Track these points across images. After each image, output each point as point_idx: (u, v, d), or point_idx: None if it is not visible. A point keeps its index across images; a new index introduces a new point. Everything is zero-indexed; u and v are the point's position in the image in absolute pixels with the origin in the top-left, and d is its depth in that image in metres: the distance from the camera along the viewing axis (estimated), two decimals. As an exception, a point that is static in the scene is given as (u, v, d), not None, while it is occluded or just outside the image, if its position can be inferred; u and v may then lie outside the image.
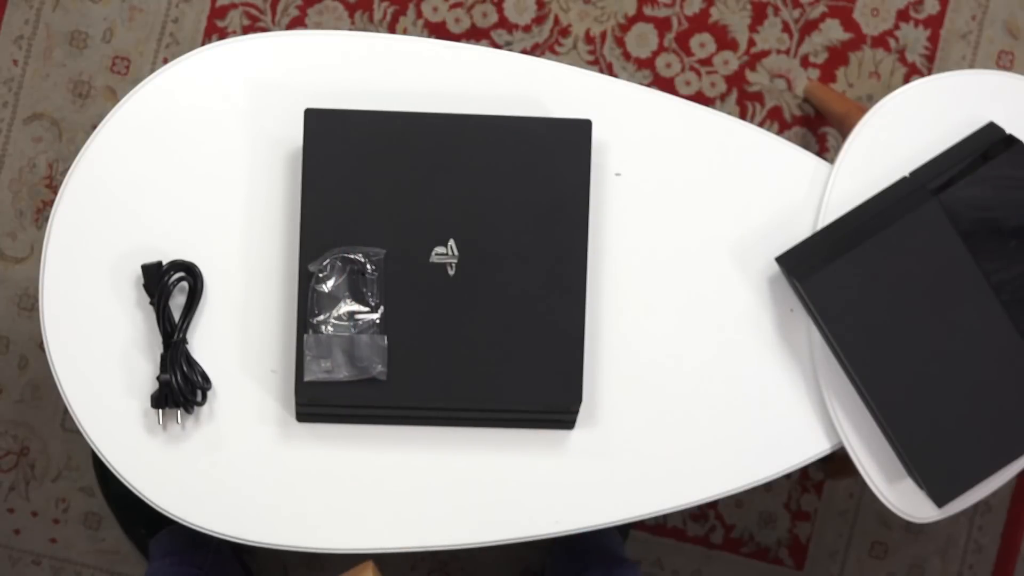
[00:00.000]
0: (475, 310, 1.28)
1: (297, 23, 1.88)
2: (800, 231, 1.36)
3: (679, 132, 1.36)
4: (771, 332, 1.36)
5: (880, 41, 1.90)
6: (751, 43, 1.89)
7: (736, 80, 1.89)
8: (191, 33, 1.88)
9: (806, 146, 1.90)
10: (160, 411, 1.31)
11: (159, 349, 1.32)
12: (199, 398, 1.31)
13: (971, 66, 1.91)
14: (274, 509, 1.32)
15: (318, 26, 1.87)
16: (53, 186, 1.86)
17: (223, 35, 1.88)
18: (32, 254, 1.87)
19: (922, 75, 1.90)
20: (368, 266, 1.28)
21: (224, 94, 1.34)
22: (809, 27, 1.89)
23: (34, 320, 1.87)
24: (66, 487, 1.86)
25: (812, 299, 1.31)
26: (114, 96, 1.87)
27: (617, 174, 1.36)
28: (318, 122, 1.29)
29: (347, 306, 1.28)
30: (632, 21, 1.89)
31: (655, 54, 1.89)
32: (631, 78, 1.88)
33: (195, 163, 1.33)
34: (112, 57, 1.87)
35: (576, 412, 1.31)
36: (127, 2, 1.87)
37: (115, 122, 1.34)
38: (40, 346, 1.86)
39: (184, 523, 1.32)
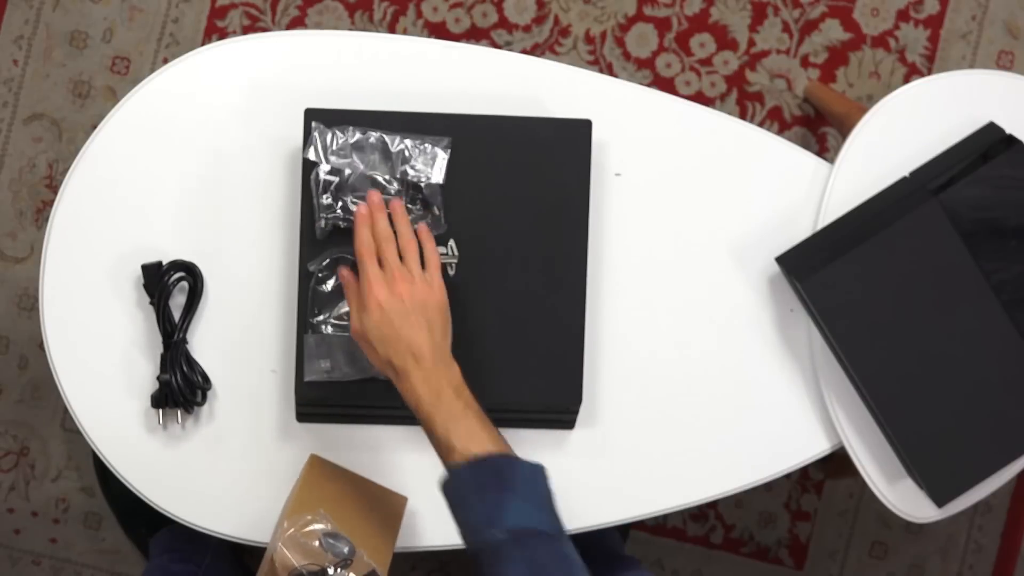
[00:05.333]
0: (475, 310, 1.28)
1: (297, 23, 1.88)
2: (800, 231, 1.36)
3: (679, 132, 1.36)
4: (771, 332, 1.36)
5: (880, 41, 1.90)
6: (751, 43, 1.89)
7: (736, 80, 1.89)
8: (191, 33, 1.88)
9: (806, 146, 1.89)
10: (160, 411, 1.32)
11: (159, 349, 1.32)
12: (199, 398, 1.31)
13: (971, 66, 1.91)
14: (274, 509, 1.32)
15: (318, 26, 1.87)
16: (53, 186, 1.86)
17: (223, 35, 1.88)
18: (32, 254, 1.87)
19: (922, 75, 1.90)
20: (368, 266, 1.28)
21: (224, 94, 1.34)
22: (809, 27, 1.89)
23: (34, 320, 1.87)
24: (66, 487, 1.86)
25: (812, 299, 1.31)
26: (114, 96, 1.87)
27: (617, 174, 1.36)
28: (318, 122, 1.29)
29: (347, 306, 1.28)
30: (632, 21, 1.89)
31: (655, 54, 1.89)
32: (631, 78, 1.88)
33: (195, 163, 1.33)
34: (112, 57, 1.87)
35: (576, 412, 1.31)
36: (127, 2, 1.87)
37: (115, 122, 1.33)
38: (40, 346, 1.86)
39: (184, 523, 1.32)
